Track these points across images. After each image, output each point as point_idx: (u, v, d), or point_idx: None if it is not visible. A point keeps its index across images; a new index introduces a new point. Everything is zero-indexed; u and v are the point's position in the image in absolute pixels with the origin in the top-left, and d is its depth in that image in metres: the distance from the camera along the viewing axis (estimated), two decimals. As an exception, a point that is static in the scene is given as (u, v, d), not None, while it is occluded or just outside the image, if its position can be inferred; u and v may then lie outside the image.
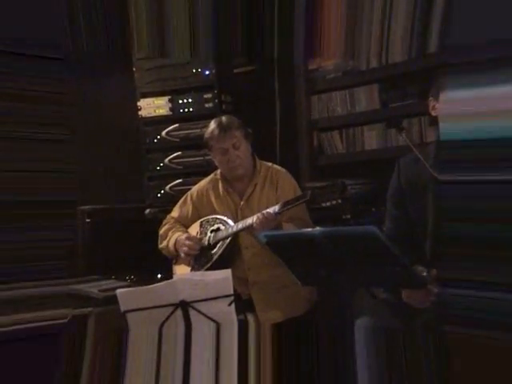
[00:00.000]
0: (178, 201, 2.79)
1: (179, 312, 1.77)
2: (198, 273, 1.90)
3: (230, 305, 1.78)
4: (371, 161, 2.81)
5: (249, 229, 2.12)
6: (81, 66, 3.24)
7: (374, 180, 2.68)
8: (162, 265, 2.58)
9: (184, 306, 1.76)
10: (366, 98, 2.88)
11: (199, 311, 1.77)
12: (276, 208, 2.06)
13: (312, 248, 1.53)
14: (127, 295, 1.78)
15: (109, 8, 2.55)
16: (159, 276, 2.77)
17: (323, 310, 2.13)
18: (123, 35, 2.91)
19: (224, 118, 2.30)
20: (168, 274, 2.44)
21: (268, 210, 2.06)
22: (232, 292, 1.79)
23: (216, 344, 1.76)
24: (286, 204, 2.06)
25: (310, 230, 1.58)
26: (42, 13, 2.00)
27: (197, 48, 2.93)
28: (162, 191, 3.19)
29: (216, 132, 2.24)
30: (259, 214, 2.05)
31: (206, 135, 2.29)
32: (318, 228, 1.53)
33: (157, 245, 2.47)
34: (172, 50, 2.74)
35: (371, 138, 2.85)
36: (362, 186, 2.68)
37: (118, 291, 1.78)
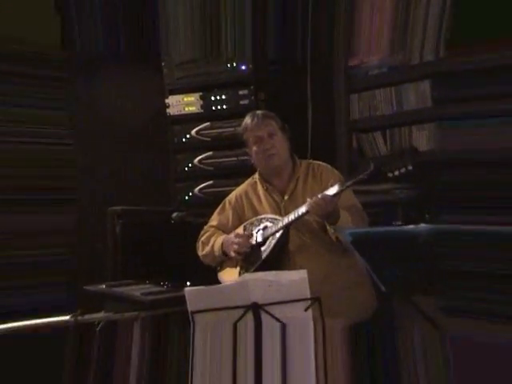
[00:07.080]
0: (207, 204, 2.64)
1: (250, 315, 1.60)
2: (272, 272, 1.70)
3: (306, 310, 1.62)
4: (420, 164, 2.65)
5: (301, 218, 1.97)
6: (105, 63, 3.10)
7: (423, 184, 2.51)
8: (191, 271, 2.43)
9: (256, 308, 1.59)
10: (415, 95, 2.68)
11: (272, 315, 1.60)
12: (335, 188, 1.90)
13: (412, 249, 1.37)
14: (196, 295, 1.61)
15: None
16: (188, 284, 2.58)
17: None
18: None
19: (259, 110, 2.25)
20: (197, 282, 2.26)
21: (325, 193, 1.90)
22: (309, 295, 1.63)
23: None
24: (345, 182, 1.89)
25: (412, 226, 1.40)
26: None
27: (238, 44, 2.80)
28: (191, 193, 3.01)
29: (249, 121, 2.17)
30: (315, 197, 1.90)
31: (241, 129, 2.21)
32: (422, 224, 1.36)
33: (185, 250, 2.30)
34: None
35: (421, 139, 2.67)
36: (410, 191, 2.53)
37: (187, 290, 1.61)
